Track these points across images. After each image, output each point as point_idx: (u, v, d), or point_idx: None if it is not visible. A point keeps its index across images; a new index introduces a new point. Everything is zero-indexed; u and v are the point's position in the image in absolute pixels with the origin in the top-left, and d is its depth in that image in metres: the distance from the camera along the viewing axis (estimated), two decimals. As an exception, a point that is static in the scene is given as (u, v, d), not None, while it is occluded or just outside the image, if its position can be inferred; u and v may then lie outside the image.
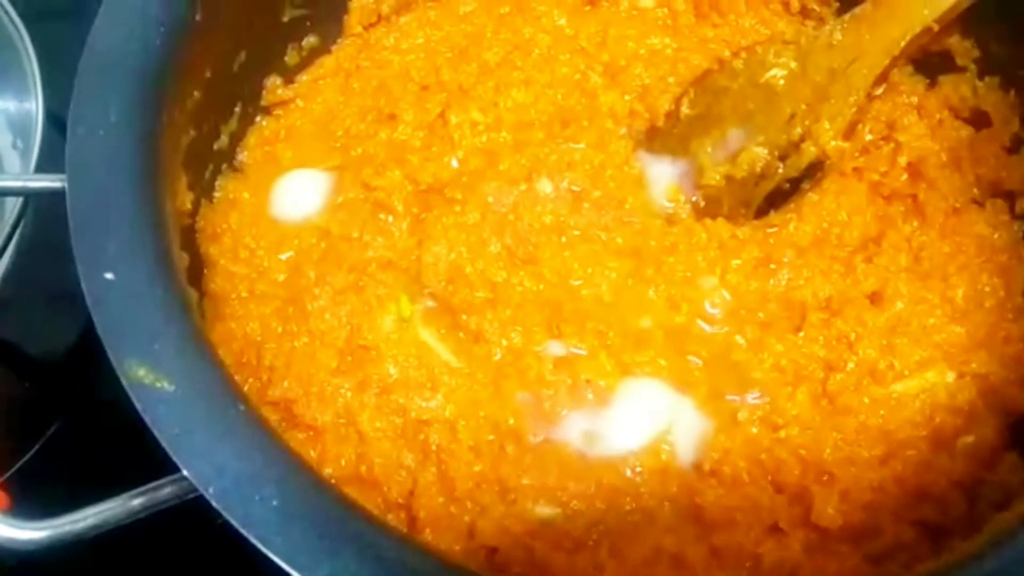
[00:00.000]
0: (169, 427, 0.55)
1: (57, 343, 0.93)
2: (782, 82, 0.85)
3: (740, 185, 0.85)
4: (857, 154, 0.87)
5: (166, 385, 0.56)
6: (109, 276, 0.59)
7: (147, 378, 0.56)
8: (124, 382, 0.56)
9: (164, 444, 0.55)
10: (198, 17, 0.71)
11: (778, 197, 0.85)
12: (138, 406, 0.56)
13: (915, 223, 0.85)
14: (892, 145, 0.87)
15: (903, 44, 0.80)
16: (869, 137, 0.88)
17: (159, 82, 0.68)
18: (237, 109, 0.85)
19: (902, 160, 0.86)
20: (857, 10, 0.83)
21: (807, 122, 0.83)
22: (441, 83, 0.90)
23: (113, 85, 0.65)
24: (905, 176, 0.86)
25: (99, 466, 0.74)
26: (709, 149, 0.86)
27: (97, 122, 0.63)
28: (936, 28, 0.79)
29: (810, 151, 0.83)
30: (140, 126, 0.65)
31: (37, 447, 0.89)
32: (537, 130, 0.88)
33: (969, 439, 0.76)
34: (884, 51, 0.81)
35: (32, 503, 0.59)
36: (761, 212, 0.86)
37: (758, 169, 0.85)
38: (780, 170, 0.85)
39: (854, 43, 0.82)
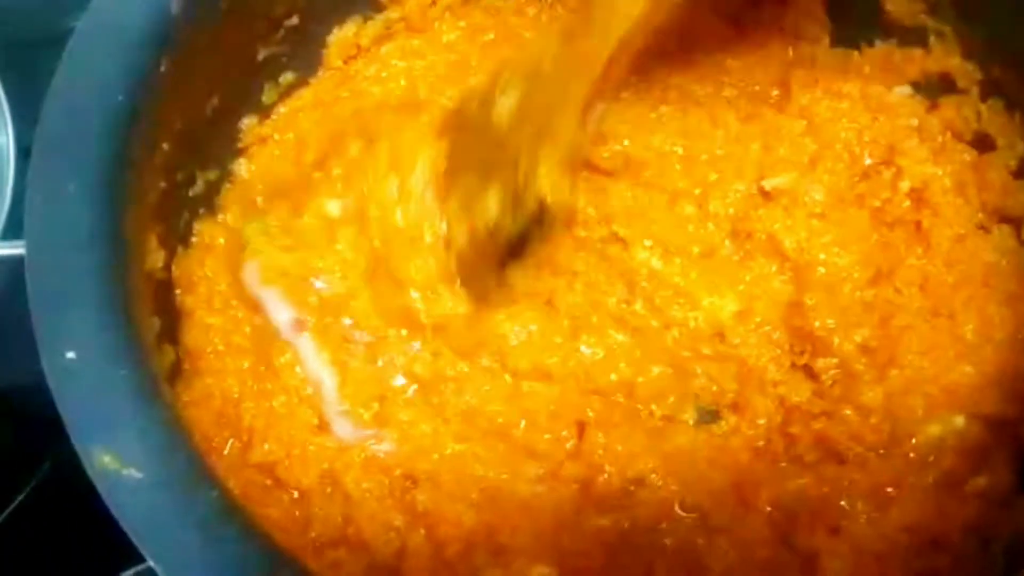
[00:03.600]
0: (135, 516, 0.52)
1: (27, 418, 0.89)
2: (506, 120, 0.73)
3: (482, 243, 0.75)
4: (857, 179, 0.84)
5: (133, 472, 0.54)
6: (71, 356, 0.56)
7: (113, 465, 0.54)
8: (89, 470, 0.53)
9: (130, 534, 0.52)
10: (163, 68, 0.68)
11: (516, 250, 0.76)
12: (103, 494, 0.53)
13: (919, 251, 0.81)
14: (893, 170, 0.84)
15: (601, 63, 0.69)
16: (869, 161, 0.85)
17: (122, 139, 0.64)
18: (213, 153, 0.82)
19: (904, 185, 0.83)
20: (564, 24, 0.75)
21: (529, 165, 0.72)
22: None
23: (72, 148, 0.62)
24: (908, 203, 0.83)
25: (62, 553, 0.71)
26: (455, 207, 0.75)
27: (56, 190, 0.60)
28: (637, 43, 0.70)
29: (529, 201, 0.73)
30: (102, 190, 0.62)
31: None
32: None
33: (981, 481, 0.73)
34: (585, 76, 0.70)
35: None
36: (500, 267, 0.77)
37: (491, 223, 0.74)
38: (512, 223, 0.74)
39: (564, 67, 0.71)
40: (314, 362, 0.76)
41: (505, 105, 0.73)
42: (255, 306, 0.78)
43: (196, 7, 0.71)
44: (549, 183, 0.73)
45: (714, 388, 0.80)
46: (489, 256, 0.76)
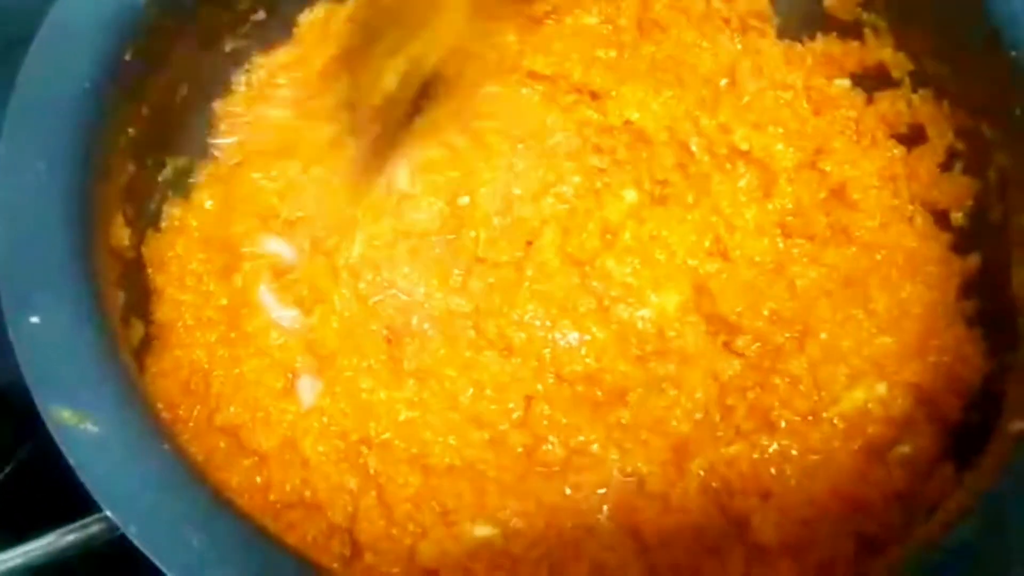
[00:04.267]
0: (92, 468, 0.57)
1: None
2: None
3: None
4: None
5: (90, 426, 0.58)
6: (35, 320, 0.60)
7: (71, 420, 0.58)
8: (49, 425, 0.58)
9: (87, 484, 0.56)
10: (128, 57, 0.72)
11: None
12: (62, 447, 0.57)
13: (841, 238, 0.85)
14: (818, 175, 0.87)
15: None
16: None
17: (89, 124, 0.69)
18: (183, 140, 0.86)
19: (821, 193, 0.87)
20: None
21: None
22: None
23: (42, 131, 0.67)
24: (823, 193, 0.87)
25: (32, 504, 0.75)
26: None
27: (25, 168, 0.65)
28: None
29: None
30: (70, 170, 0.67)
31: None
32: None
33: (905, 449, 0.76)
34: None
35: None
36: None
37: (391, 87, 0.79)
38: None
39: None
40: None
41: None
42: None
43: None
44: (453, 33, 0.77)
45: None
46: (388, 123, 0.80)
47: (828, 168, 0.85)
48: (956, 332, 0.79)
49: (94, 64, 0.70)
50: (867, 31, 0.88)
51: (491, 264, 0.85)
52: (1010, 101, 0.76)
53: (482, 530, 0.74)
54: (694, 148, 0.89)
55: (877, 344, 0.78)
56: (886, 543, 0.72)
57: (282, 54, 0.92)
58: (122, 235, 0.75)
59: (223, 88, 0.90)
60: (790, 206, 0.86)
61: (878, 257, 0.82)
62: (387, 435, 0.77)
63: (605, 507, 0.77)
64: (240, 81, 0.91)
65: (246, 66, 0.91)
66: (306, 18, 0.93)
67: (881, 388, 0.77)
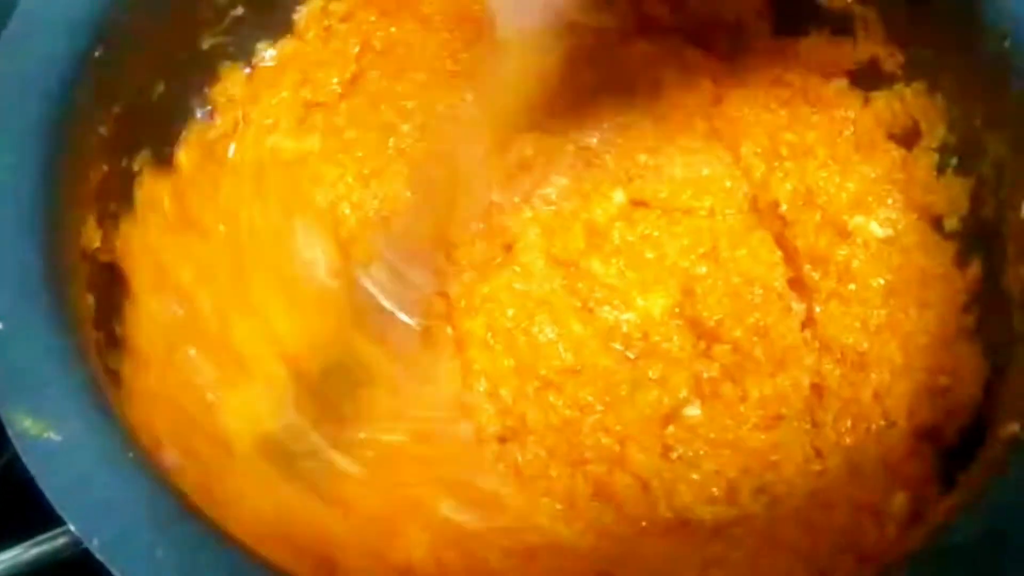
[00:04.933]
0: (53, 478, 0.55)
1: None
2: None
3: None
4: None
5: (52, 435, 0.56)
6: (-1, 326, 0.58)
7: (33, 429, 0.56)
8: (10, 434, 0.56)
9: (48, 496, 0.54)
10: (98, 54, 0.70)
11: None
12: (23, 457, 0.55)
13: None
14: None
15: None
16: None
17: (57, 125, 0.67)
18: (159, 139, 0.84)
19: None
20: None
21: None
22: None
23: (6, 132, 0.65)
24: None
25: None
26: None
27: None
28: None
29: None
30: (37, 171, 0.65)
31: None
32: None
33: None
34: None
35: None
36: None
37: None
38: None
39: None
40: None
41: None
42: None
43: (134, -4, 0.74)
44: None
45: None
46: None
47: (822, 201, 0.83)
48: (959, 352, 0.75)
49: (62, 62, 0.69)
50: (858, 23, 0.86)
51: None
52: (1003, 90, 0.74)
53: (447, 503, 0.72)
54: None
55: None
56: (876, 554, 0.70)
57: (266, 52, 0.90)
58: (93, 237, 0.73)
59: (203, 86, 0.88)
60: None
61: (881, 282, 0.79)
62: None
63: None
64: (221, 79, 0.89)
65: (227, 64, 0.89)
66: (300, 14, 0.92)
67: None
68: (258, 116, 0.88)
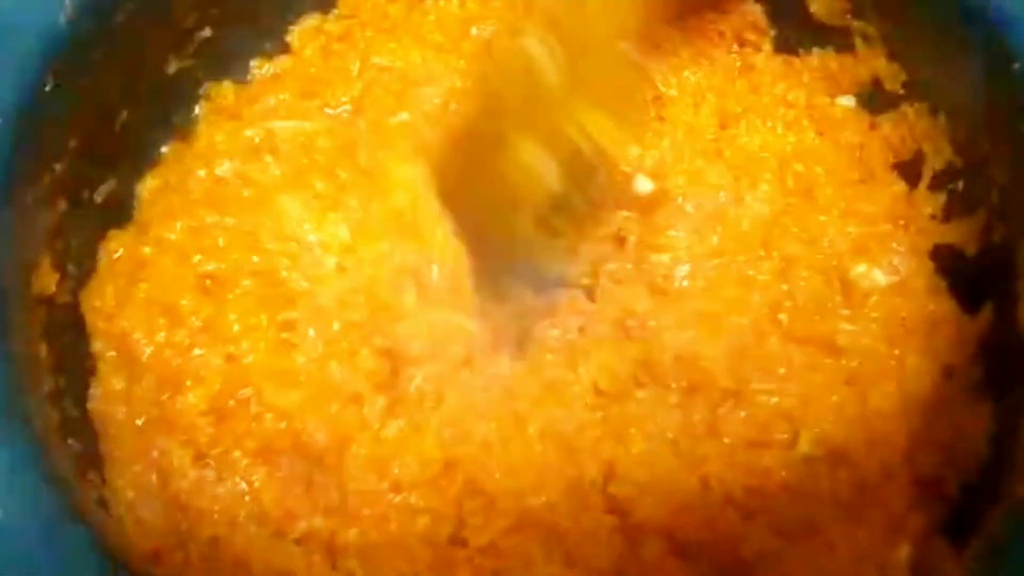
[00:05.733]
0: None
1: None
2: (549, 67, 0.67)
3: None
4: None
5: (-1, 514, 0.52)
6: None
7: (-25, 506, 0.52)
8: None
9: (-9, 578, 0.51)
10: (49, 87, 0.66)
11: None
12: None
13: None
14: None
15: None
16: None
17: (5, 162, 0.63)
18: (123, 170, 0.79)
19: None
20: None
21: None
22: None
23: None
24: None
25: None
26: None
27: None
28: None
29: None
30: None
31: None
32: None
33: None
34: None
35: None
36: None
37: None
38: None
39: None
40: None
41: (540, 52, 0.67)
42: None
43: (87, 20, 0.69)
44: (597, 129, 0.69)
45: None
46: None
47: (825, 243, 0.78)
48: (964, 405, 0.71)
49: (9, 94, 0.64)
50: (858, 39, 0.82)
51: None
52: (1010, 110, 0.70)
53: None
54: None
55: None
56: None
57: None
58: (48, 281, 0.69)
59: (169, 114, 0.83)
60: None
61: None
62: None
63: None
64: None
65: (199, 90, 0.85)
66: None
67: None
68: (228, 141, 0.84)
